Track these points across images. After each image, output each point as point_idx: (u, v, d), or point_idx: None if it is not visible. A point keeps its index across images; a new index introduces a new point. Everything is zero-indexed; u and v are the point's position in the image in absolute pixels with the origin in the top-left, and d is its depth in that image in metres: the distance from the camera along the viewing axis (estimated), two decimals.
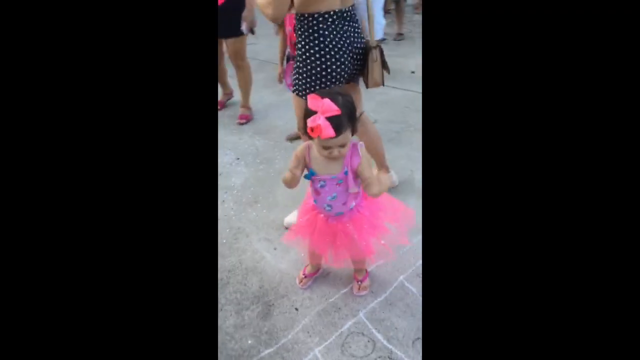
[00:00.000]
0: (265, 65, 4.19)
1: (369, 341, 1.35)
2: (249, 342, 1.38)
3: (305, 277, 1.57)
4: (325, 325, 1.42)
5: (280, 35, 2.30)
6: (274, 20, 1.51)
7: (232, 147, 2.64)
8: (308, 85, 1.59)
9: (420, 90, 3.18)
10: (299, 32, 1.57)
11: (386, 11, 4.87)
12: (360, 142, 1.27)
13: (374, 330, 1.38)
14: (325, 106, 1.06)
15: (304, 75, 1.59)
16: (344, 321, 1.42)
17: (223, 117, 3.04)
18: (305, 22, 1.53)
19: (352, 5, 1.60)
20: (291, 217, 1.86)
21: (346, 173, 1.24)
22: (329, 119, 1.05)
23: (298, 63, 1.62)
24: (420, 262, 1.63)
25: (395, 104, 3.04)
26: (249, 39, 2.84)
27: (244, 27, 2.61)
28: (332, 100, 1.07)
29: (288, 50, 2.32)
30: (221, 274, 1.65)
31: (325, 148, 1.14)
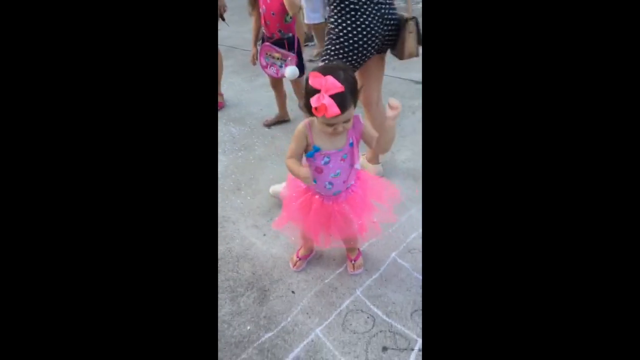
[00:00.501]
0: (232, 51, 4.08)
1: (368, 317, 1.37)
2: (248, 327, 1.36)
3: (299, 259, 1.57)
4: (323, 305, 1.42)
5: (254, 16, 2.24)
6: None
7: None
8: (340, 56, 1.63)
9: (393, 75, 3.21)
10: (332, 6, 1.63)
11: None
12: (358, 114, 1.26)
13: (372, 307, 1.40)
14: (328, 84, 1.03)
15: (336, 46, 1.63)
16: (342, 300, 1.44)
17: None
18: None
19: None
20: (278, 187, 1.84)
21: (351, 145, 1.22)
22: (333, 96, 1.03)
23: (330, 34, 1.66)
24: (410, 238, 1.67)
25: None
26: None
27: None
28: (335, 76, 1.04)
29: (262, 30, 2.26)
30: None
31: (330, 125, 1.12)
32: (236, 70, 3.59)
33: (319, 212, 1.33)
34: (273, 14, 2.14)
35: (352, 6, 1.59)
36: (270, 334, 1.34)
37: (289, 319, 1.38)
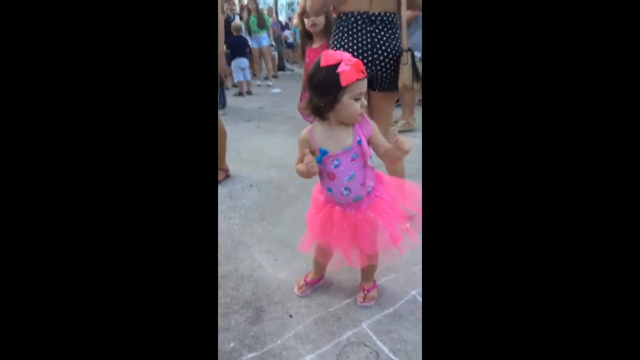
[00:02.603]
0: (290, 120, 4.34)
1: (371, 352, 1.13)
2: (232, 344, 1.18)
3: (306, 284, 1.40)
4: (321, 333, 1.21)
5: (304, 67, 2.40)
6: (311, 13, 1.74)
7: (247, 176, 2.61)
8: None
9: None
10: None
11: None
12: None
13: (378, 342, 1.16)
14: (344, 54, 1.06)
15: None
16: (344, 331, 1.22)
17: (240, 152, 3.07)
18: (337, 20, 1.65)
19: (391, 13, 1.61)
20: None
21: (359, 142, 1.14)
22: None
23: None
24: None
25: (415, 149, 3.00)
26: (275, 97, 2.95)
27: None
28: None
29: None
30: None
31: (357, 99, 1.08)
32: (291, 133, 3.77)
33: (341, 224, 1.19)
34: (312, 74, 2.29)
35: (341, 28, 1.60)
36: (253, 354, 1.15)
37: (278, 342, 1.19)
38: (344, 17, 1.59)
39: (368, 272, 1.35)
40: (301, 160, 1.17)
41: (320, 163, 1.15)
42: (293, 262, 1.57)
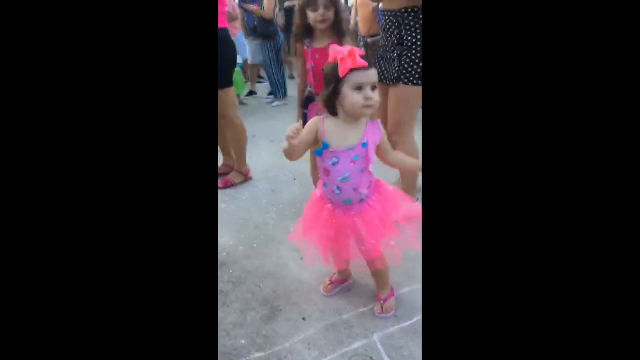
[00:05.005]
0: None
1: None
2: (242, 342, 1.22)
3: (332, 283, 1.40)
4: (329, 340, 1.19)
5: (302, 74, 1.93)
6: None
7: (292, 169, 2.63)
8: None
9: None
10: (410, 27, 1.60)
11: None
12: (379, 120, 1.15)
13: (385, 357, 1.12)
14: (347, 47, 1.03)
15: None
16: (353, 341, 1.19)
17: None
18: (421, 15, 1.58)
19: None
20: None
21: (364, 145, 1.08)
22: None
23: (415, 53, 1.61)
24: None
25: None
26: None
27: None
28: None
29: (309, 89, 1.89)
30: (241, 273, 1.55)
31: (359, 89, 1.02)
32: None
33: (327, 223, 1.17)
34: (323, 69, 1.82)
35: (416, 20, 1.58)
36: (260, 354, 1.17)
37: (286, 344, 1.20)
38: (417, 11, 1.58)
39: (380, 279, 1.31)
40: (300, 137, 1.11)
41: (319, 156, 1.12)
42: (317, 263, 1.57)
